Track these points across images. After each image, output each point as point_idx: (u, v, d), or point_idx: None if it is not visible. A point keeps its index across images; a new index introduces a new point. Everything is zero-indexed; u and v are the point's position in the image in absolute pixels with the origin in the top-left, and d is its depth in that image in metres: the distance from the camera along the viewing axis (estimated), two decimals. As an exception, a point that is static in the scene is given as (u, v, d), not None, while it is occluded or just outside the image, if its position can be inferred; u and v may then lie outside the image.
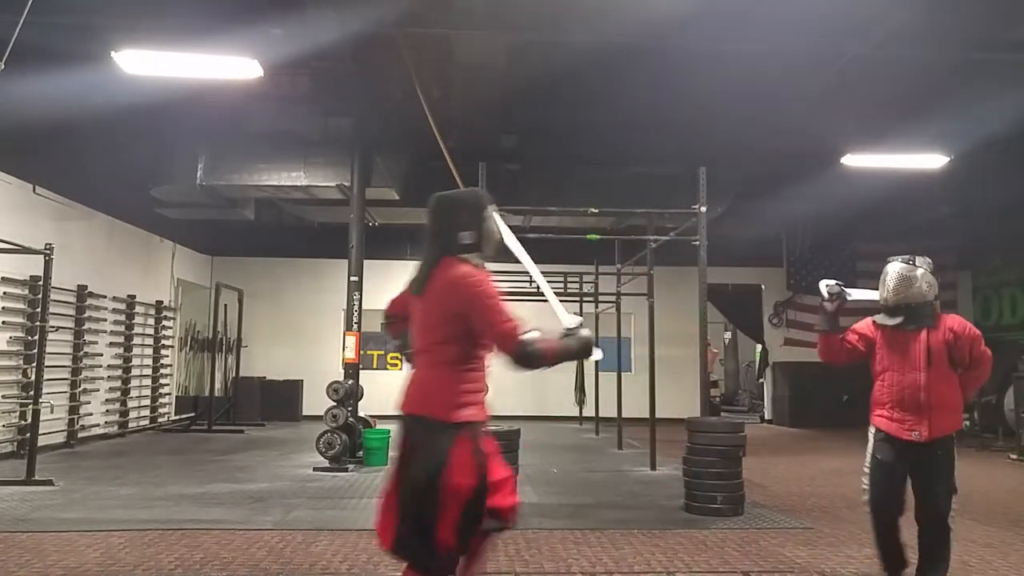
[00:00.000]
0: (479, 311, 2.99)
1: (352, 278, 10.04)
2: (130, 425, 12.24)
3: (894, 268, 4.11)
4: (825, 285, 4.35)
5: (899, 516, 4.05)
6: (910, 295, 4.03)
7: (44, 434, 8.33)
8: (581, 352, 3.10)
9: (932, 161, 10.17)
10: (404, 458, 2.97)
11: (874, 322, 4.24)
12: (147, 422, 12.88)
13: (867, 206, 13.37)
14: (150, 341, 13.04)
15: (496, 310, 2.99)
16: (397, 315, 3.39)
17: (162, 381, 13.40)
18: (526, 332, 2.96)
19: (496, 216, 3.30)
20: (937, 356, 3.96)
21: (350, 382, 9.56)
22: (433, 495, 2.81)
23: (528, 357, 2.93)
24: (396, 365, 16.66)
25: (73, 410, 10.43)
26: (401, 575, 2.95)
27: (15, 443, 9.17)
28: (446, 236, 3.19)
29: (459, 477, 2.82)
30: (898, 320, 4.08)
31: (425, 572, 2.87)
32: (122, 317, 12.02)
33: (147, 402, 12.96)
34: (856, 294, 4.36)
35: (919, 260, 4.09)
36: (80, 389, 10.57)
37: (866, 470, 4.13)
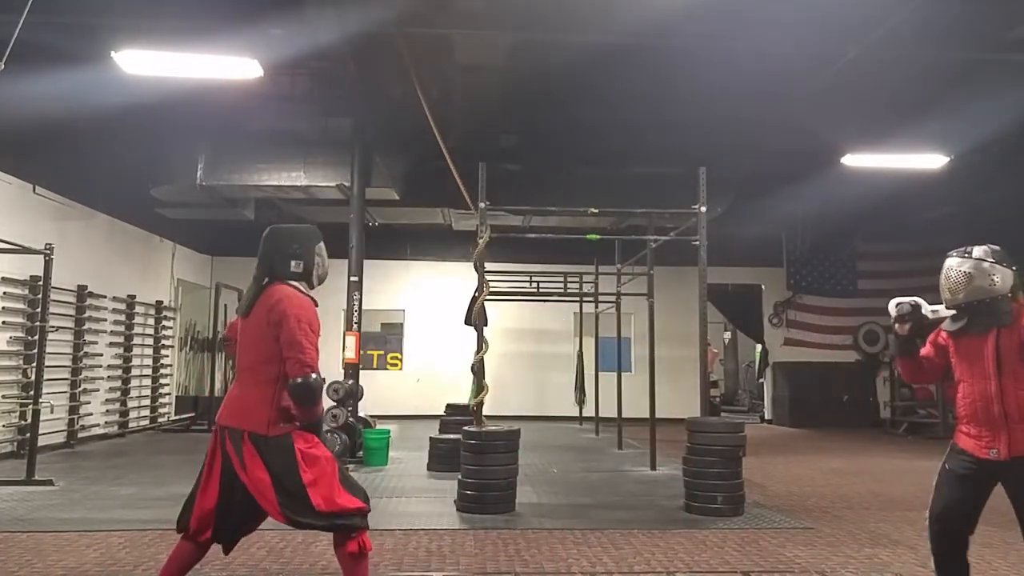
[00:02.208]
0: (286, 330, 3.35)
1: (352, 278, 10.05)
2: (130, 425, 12.24)
3: (948, 263, 3.51)
4: (896, 305, 3.66)
5: (966, 534, 3.46)
6: (972, 291, 3.41)
7: (44, 434, 8.33)
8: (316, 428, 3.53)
9: (932, 161, 10.18)
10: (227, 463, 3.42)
11: (943, 328, 3.63)
12: (147, 422, 12.87)
13: (867, 206, 13.37)
14: (150, 341, 13.04)
15: (301, 332, 3.36)
16: (232, 337, 3.72)
17: (162, 381, 13.40)
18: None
19: (323, 252, 3.69)
20: (1009, 360, 3.36)
21: (350, 382, 9.56)
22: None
23: (305, 389, 3.31)
24: (396, 365, 16.68)
25: (73, 410, 10.42)
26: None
27: (15, 443, 9.17)
28: (275, 263, 3.57)
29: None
30: (962, 322, 3.48)
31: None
32: (122, 317, 12.02)
33: (147, 402, 12.95)
34: (943, 311, 3.60)
35: (978, 251, 3.47)
36: (80, 389, 10.57)
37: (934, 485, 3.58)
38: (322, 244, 3.70)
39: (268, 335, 3.40)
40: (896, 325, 3.66)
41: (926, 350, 3.69)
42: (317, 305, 3.61)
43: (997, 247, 3.49)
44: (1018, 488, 3.37)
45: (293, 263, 3.56)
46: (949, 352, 3.59)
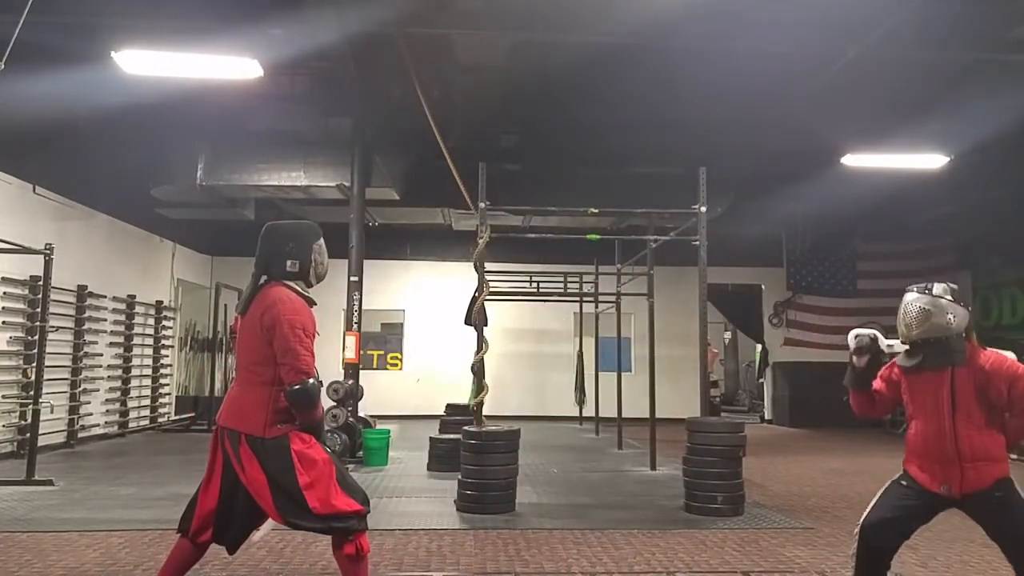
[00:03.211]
0: (279, 336, 3.31)
1: (352, 278, 10.05)
2: (130, 425, 12.24)
3: (908, 299, 3.51)
4: (855, 337, 3.66)
5: (892, 551, 3.51)
6: (929, 329, 3.40)
7: (44, 434, 8.33)
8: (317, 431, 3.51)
9: (932, 161, 10.17)
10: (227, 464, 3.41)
11: (896, 364, 3.64)
12: (147, 422, 12.87)
13: (867, 206, 13.37)
14: (150, 341, 13.05)
15: (295, 338, 3.32)
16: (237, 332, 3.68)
17: (162, 381, 13.41)
18: None
19: (323, 249, 3.62)
20: (964, 399, 3.35)
21: (350, 382, 9.56)
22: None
23: (303, 395, 3.28)
24: (396, 365, 16.68)
25: (73, 410, 10.42)
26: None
27: (15, 443, 9.17)
28: (271, 261, 3.53)
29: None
30: (917, 359, 3.47)
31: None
32: (122, 317, 12.02)
33: (147, 402, 12.96)
34: (898, 346, 3.59)
35: (938, 288, 3.46)
36: (80, 389, 10.57)
37: (878, 493, 3.60)
38: (321, 242, 3.63)
39: (262, 338, 3.37)
40: (854, 357, 3.68)
41: (877, 384, 3.72)
42: (315, 304, 3.55)
43: (955, 286, 3.52)
44: (984, 518, 3.43)
45: (289, 263, 3.51)
46: (901, 388, 3.62)
